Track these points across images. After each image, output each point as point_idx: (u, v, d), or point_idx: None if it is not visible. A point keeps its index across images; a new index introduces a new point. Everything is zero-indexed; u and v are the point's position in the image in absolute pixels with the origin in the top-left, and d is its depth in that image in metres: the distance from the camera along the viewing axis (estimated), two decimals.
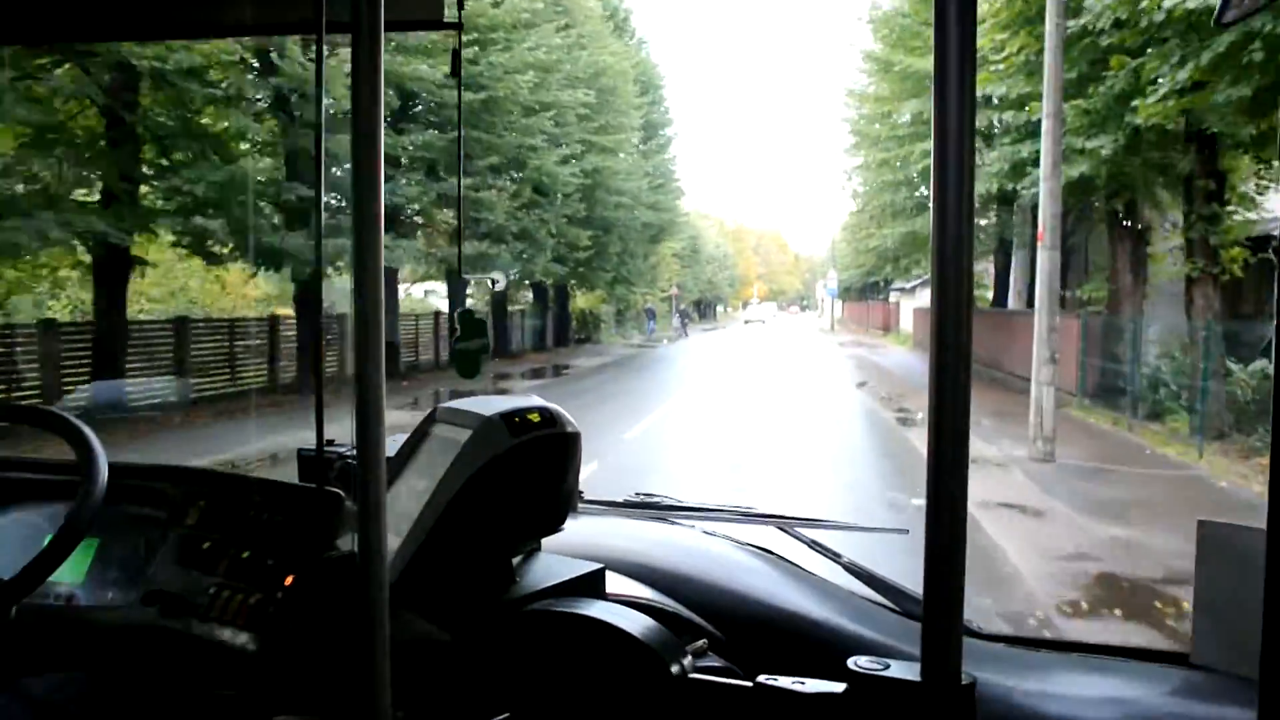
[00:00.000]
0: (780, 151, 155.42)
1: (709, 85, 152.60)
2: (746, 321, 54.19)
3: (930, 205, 0.61)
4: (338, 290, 10.80)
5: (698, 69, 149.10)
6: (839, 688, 0.76)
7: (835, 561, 1.30)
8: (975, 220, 0.61)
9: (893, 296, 37.16)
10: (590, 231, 21.52)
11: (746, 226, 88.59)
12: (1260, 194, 11.04)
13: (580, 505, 1.35)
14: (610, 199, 22.46)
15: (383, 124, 0.67)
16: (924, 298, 34.10)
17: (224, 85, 10.61)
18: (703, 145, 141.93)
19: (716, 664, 0.95)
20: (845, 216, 39.40)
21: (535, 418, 1.02)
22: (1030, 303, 21.08)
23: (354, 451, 0.71)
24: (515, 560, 1.06)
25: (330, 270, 9.48)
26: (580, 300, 30.69)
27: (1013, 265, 20.69)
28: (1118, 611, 4.65)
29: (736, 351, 27.05)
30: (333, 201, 7.04)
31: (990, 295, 22.08)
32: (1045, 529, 6.32)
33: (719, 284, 65.59)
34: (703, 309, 64.66)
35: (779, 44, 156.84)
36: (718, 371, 19.49)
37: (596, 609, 0.92)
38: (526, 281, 21.73)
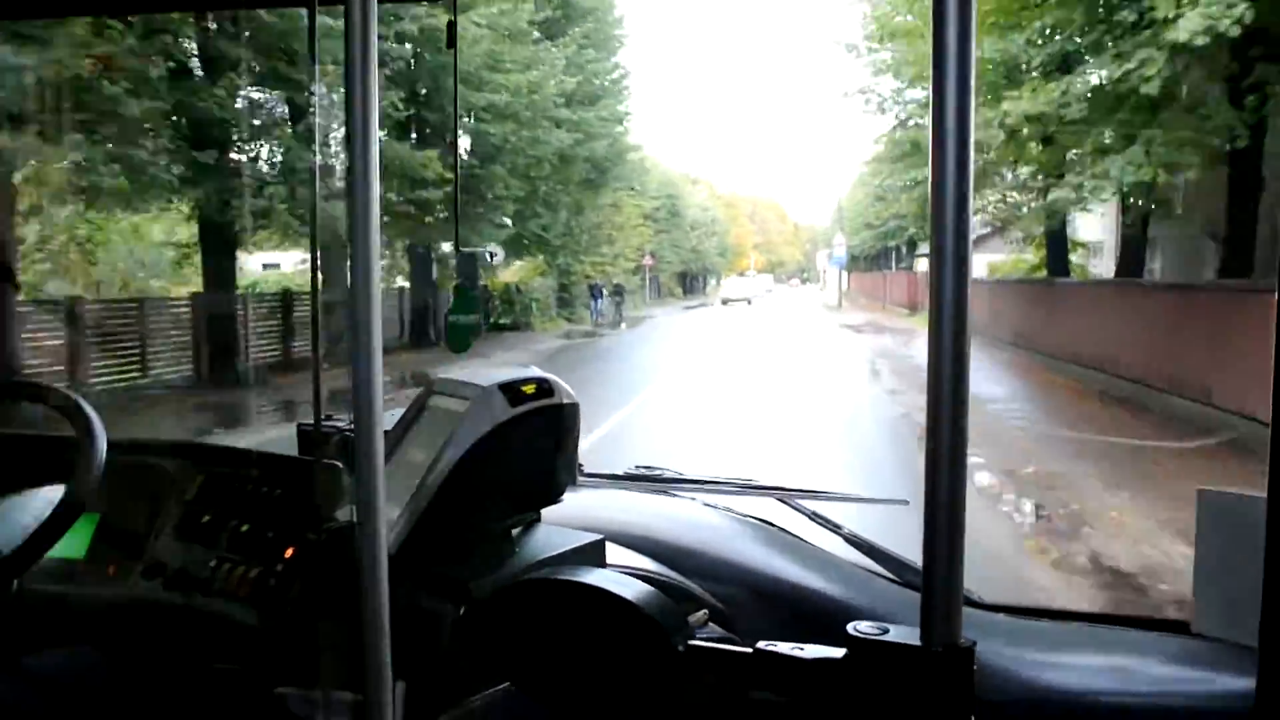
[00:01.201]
0: (778, 116, 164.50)
1: (702, 50, 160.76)
2: (725, 301, 46.83)
3: (929, 182, 0.68)
4: None
5: (691, 34, 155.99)
6: (839, 653, 0.82)
7: (836, 533, 1.44)
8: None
9: (920, 264, 33.13)
10: (439, 151, 14.48)
11: (741, 194, 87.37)
12: None
13: (580, 477, 1.50)
14: (476, 98, 15.40)
15: (377, 100, 0.78)
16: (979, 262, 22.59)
17: None
18: (694, 108, 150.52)
19: (717, 635, 1.07)
20: (860, 166, 36.21)
21: (534, 388, 1.16)
22: (1230, 271, 10.80)
23: (352, 424, 0.81)
24: (515, 532, 1.23)
25: None
26: (505, 274, 24.79)
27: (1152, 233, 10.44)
28: None
29: (711, 342, 21.79)
30: None
31: (1086, 264, 18.04)
32: None
33: (706, 253, 59.82)
34: (689, 282, 60.27)
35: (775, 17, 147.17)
36: (673, 386, 13.37)
37: (596, 577, 1.04)
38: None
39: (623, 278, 35.93)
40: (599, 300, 29.72)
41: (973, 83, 0.64)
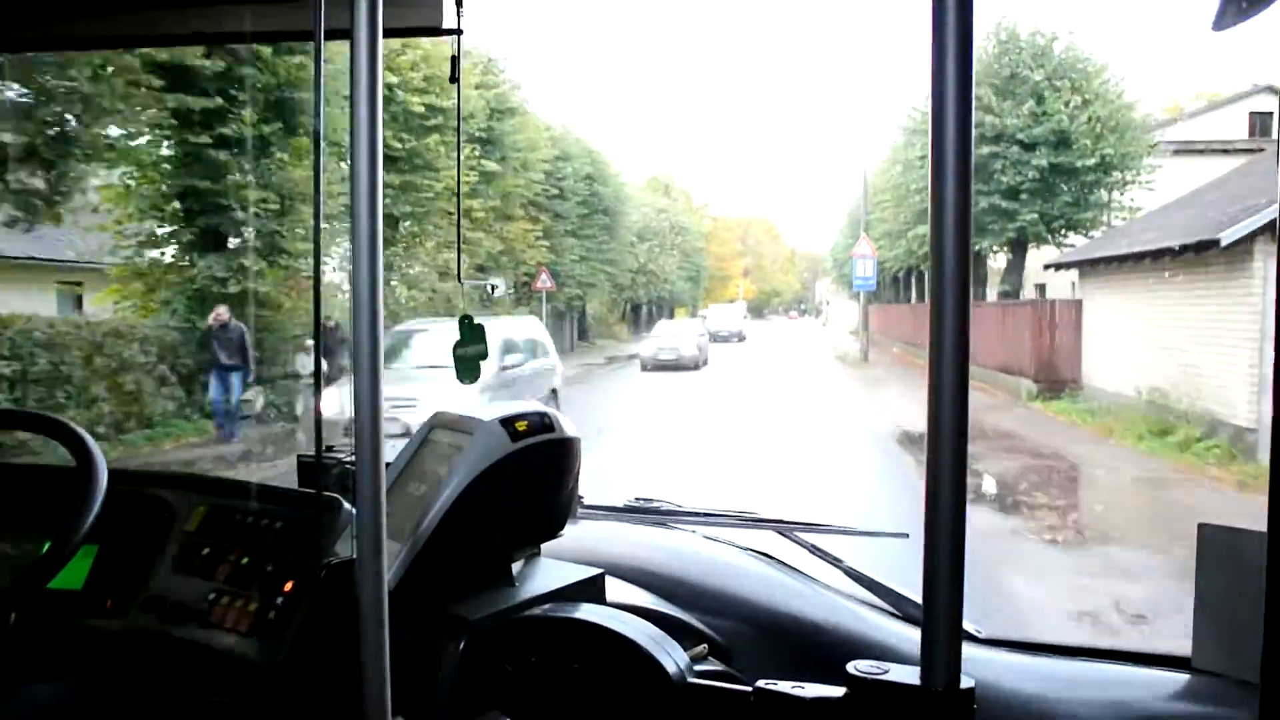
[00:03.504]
0: (770, 131, 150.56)
1: (699, 64, 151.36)
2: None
3: (929, 199, 0.68)
4: None
5: (691, 44, 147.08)
6: (838, 692, 0.84)
7: (836, 566, 1.45)
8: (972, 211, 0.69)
9: (1054, 281, 16.25)
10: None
11: (731, 216, 78.17)
12: None
13: (580, 510, 1.53)
14: None
15: (381, 131, 0.80)
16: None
17: None
18: (680, 123, 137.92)
19: (716, 669, 1.12)
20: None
21: (535, 423, 1.18)
22: None
23: (353, 457, 0.82)
24: (515, 566, 1.25)
25: None
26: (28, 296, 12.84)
27: None
28: None
29: None
30: None
31: None
32: None
33: (666, 276, 43.65)
34: (652, 313, 43.97)
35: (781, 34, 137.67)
36: None
37: (596, 614, 1.08)
38: None
39: (480, 311, 17.66)
40: (231, 376, 11.70)
41: (973, 88, 0.64)
